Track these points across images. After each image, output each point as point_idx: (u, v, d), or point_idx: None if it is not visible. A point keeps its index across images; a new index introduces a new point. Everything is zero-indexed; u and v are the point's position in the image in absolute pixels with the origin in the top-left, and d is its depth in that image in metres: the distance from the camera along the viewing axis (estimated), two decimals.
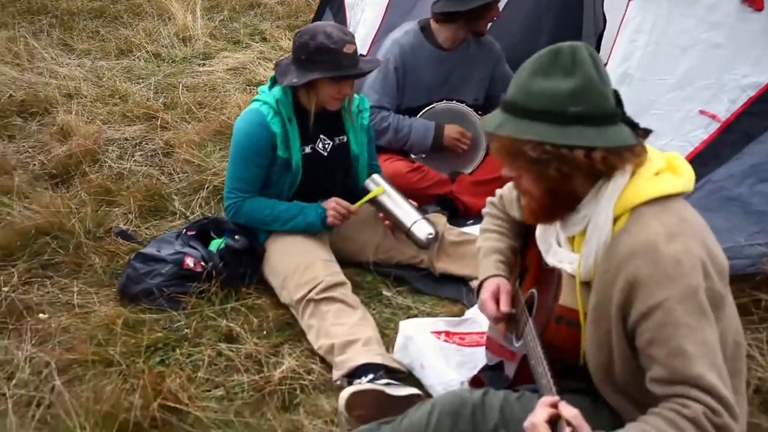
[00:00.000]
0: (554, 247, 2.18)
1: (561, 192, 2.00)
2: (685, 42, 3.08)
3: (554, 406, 1.74)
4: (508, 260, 2.48)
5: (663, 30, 3.08)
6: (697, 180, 2.98)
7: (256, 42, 6.57)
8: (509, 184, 2.55)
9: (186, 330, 2.94)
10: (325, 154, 3.24)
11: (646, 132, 1.99)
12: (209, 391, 2.66)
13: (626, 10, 3.13)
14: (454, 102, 3.92)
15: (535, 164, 1.94)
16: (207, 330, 2.96)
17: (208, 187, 3.94)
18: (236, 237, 3.19)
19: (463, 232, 3.35)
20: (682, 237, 1.88)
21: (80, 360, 2.77)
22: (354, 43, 3.09)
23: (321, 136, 3.23)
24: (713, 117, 3.06)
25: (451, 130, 3.84)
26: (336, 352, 2.72)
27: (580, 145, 1.88)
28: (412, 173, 3.70)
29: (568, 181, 1.96)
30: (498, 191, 2.60)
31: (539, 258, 2.35)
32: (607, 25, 4.71)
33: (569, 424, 1.64)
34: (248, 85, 5.58)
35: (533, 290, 2.34)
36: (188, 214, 3.79)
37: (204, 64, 6.01)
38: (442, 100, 3.91)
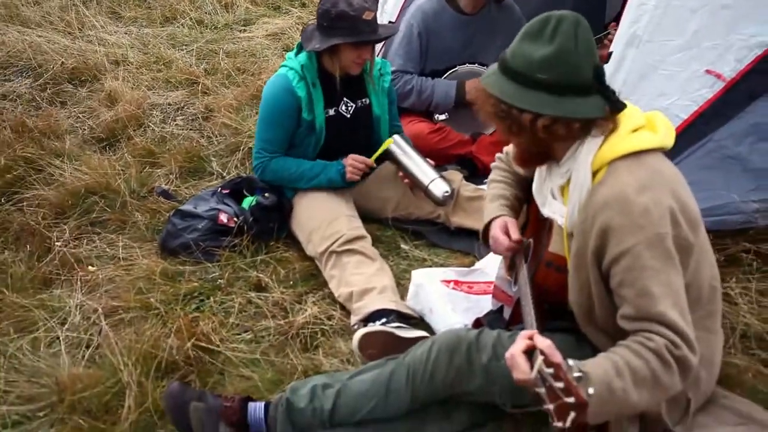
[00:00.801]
0: (549, 199, 2.37)
1: (526, 145, 2.22)
2: (695, 3, 3.18)
3: (531, 338, 1.94)
4: (512, 205, 2.66)
5: None
6: (699, 139, 3.16)
7: (296, 8, 6.76)
8: None
9: (220, 280, 3.21)
10: (348, 116, 3.45)
11: (619, 108, 2.14)
12: (239, 335, 2.93)
13: None
14: (476, 65, 4.07)
15: (493, 117, 2.16)
16: (239, 280, 3.22)
17: (243, 149, 4.18)
18: (266, 194, 3.43)
19: (477, 188, 3.53)
20: (652, 188, 2.06)
21: (124, 307, 3.06)
22: (373, 10, 3.27)
23: (344, 98, 3.44)
24: (718, 76, 3.16)
25: (473, 86, 3.98)
26: (354, 299, 2.95)
27: (529, 109, 2.08)
28: (434, 134, 3.88)
29: (520, 137, 2.17)
30: (505, 148, 2.78)
31: (537, 211, 2.54)
32: None
33: (543, 353, 1.84)
34: (285, 50, 5.78)
35: (529, 240, 2.53)
36: (224, 174, 4.05)
37: (244, 30, 6.24)
38: (464, 64, 4.06)
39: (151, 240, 3.54)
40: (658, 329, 1.99)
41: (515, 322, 2.47)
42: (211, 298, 3.11)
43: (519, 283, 2.43)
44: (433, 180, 3.34)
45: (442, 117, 4.04)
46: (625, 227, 2.04)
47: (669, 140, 2.21)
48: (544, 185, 2.41)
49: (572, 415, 1.72)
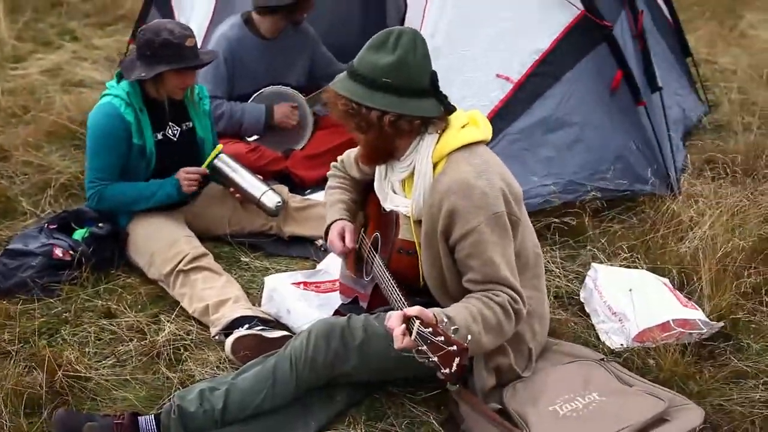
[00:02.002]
0: (390, 194, 2.71)
1: (371, 142, 2.55)
2: (480, 18, 3.68)
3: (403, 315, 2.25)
4: (350, 209, 2.97)
5: (460, 9, 3.67)
6: (497, 134, 3.66)
7: (67, 42, 6.62)
8: (348, 151, 3.06)
9: (65, 314, 3.20)
10: (175, 139, 3.57)
11: (451, 110, 2.54)
12: (101, 361, 2.95)
13: None
14: (280, 86, 4.35)
15: (344, 116, 2.49)
16: (85, 312, 3.22)
17: (54, 185, 4.12)
18: (100, 225, 3.45)
19: (305, 198, 3.81)
20: (486, 174, 2.47)
21: None
22: (194, 37, 3.43)
23: (170, 123, 3.55)
24: (507, 79, 3.68)
25: (279, 109, 4.26)
26: (211, 311, 3.09)
27: (375, 107, 2.42)
28: (251, 153, 4.09)
29: (368, 133, 2.51)
30: (339, 157, 3.08)
31: (378, 208, 2.86)
32: (408, 9, 5.32)
33: (417, 317, 2.15)
34: (68, 86, 5.70)
35: (377, 233, 2.84)
36: (38, 212, 3.97)
37: (16, 68, 6.03)
38: (269, 86, 4.32)
39: None
40: (502, 289, 2.42)
41: (375, 305, 2.76)
42: (62, 331, 3.10)
43: (374, 273, 2.73)
44: (264, 192, 3.56)
45: (253, 138, 4.26)
46: (468, 209, 2.42)
47: (489, 133, 2.64)
48: (384, 182, 2.74)
49: (457, 360, 2.05)
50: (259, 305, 3.20)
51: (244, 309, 3.08)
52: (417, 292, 2.66)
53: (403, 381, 2.70)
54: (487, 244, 2.42)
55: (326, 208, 3.00)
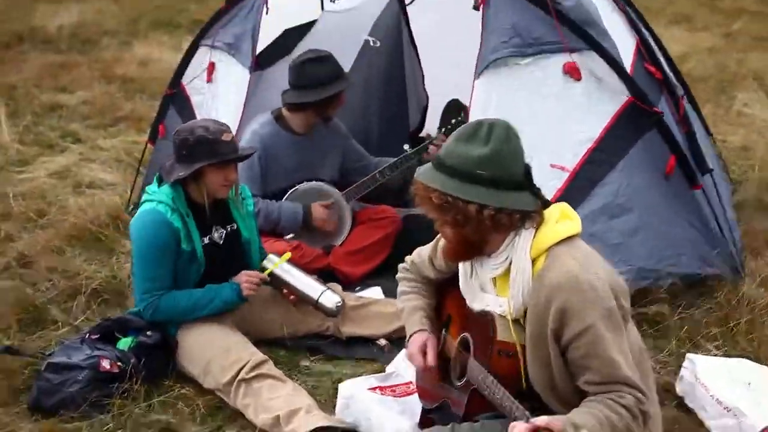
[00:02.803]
0: (479, 294, 2.56)
1: (465, 237, 2.41)
2: (526, 113, 3.63)
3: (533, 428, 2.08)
4: (429, 316, 2.81)
5: (506, 104, 3.61)
6: None
7: (71, 144, 6.49)
8: (418, 250, 2.92)
9: (120, 430, 2.95)
10: (221, 242, 3.40)
11: (547, 204, 2.43)
12: None
13: (473, 90, 3.64)
14: (314, 182, 4.24)
15: (437, 210, 2.35)
16: (142, 428, 2.98)
17: (85, 292, 3.90)
18: (148, 333, 3.24)
19: (360, 297, 3.64)
20: (592, 267, 2.34)
21: None
22: (230, 132, 3.32)
23: (215, 226, 3.40)
24: (562, 168, 3.61)
25: (317, 212, 4.13)
26: (283, 423, 2.87)
27: (473, 200, 2.30)
28: (295, 251, 3.94)
29: (465, 228, 2.37)
30: (408, 258, 2.94)
31: (462, 307, 2.71)
32: (429, 100, 5.32)
33: (547, 428, 1.99)
34: (79, 188, 5.53)
35: (465, 334, 2.68)
36: (71, 321, 3.74)
37: (22, 171, 5.85)
38: (302, 182, 4.21)
39: (13, 403, 3.16)
40: (626, 390, 2.24)
41: (473, 411, 2.57)
42: None
43: (471, 375, 2.55)
44: (322, 293, 3.39)
45: (289, 236, 4.12)
46: (581, 306, 2.27)
47: (580, 225, 2.53)
48: (471, 281, 2.60)
49: None
50: (335, 413, 2.99)
51: (320, 419, 2.87)
52: (520, 395, 2.48)
53: None
54: (604, 341, 2.27)
55: (403, 315, 2.83)
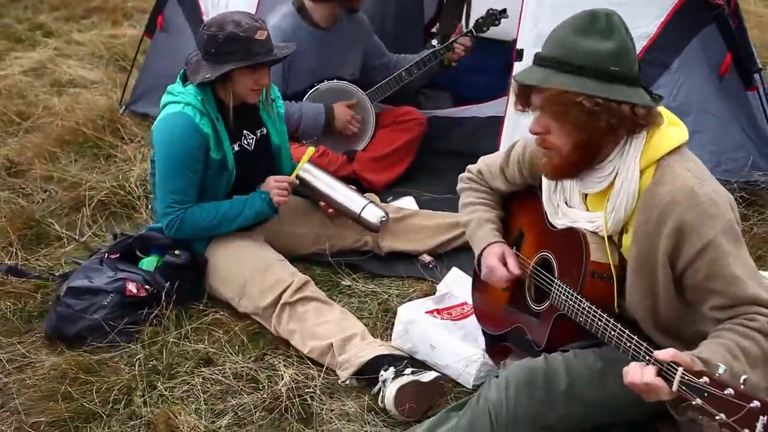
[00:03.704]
0: (562, 208, 2.30)
1: (590, 146, 2.12)
2: (589, 4, 3.28)
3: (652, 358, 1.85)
4: (499, 229, 2.55)
5: None
6: None
7: (41, 37, 5.95)
8: (483, 159, 2.63)
9: (154, 362, 2.68)
10: (251, 149, 3.07)
11: (658, 100, 2.14)
12: (215, 421, 2.46)
13: None
14: (335, 80, 3.87)
15: (585, 115, 2.02)
16: (177, 358, 2.71)
17: (92, 204, 3.55)
18: (176, 252, 2.93)
19: (400, 208, 3.35)
20: (707, 179, 2.09)
21: (55, 419, 2.43)
22: (265, 29, 2.94)
23: (244, 131, 3.05)
24: None
25: (341, 113, 3.79)
26: (337, 351, 2.63)
27: (625, 100, 2.01)
28: (321, 158, 3.62)
29: (607, 134, 2.08)
30: (472, 167, 2.65)
31: (536, 222, 2.45)
32: None
33: (677, 364, 1.77)
34: (58, 86, 5.07)
35: (545, 253, 2.42)
36: (77, 236, 3.40)
37: None
38: (323, 81, 3.84)
39: (28, 331, 2.86)
40: (756, 309, 1.99)
41: (557, 340, 2.35)
42: (158, 385, 2.58)
43: (556, 300, 2.31)
44: (365, 206, 3.09)
45: (310, 141, 3.77)
46: (700, 221, 2.02)
47: (687, 132, 2.25)
48: (554, 195, 2.33)
49: (762, 419, 1.66)
50: (392, 338, 2.75)
51: (377, 346, 2.63)
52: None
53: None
54: (728, 258, 2.01)
55: (470, 227, 2.56)
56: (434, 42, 4.09)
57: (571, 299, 2.24)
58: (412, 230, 3.23)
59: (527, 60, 3.22)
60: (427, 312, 2.74)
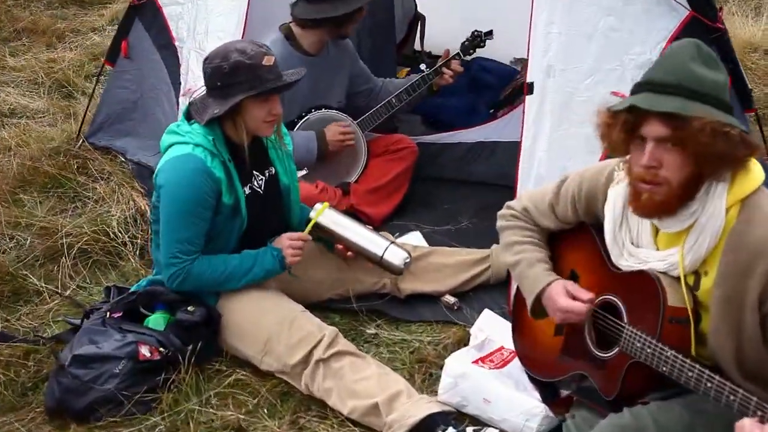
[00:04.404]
0: (629, 248, 2.19)
1: (698, 180, 2.02)
2: (589, 29, 3.20)
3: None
4: (551, 268, 2.41)
5: (569, 20, 3.17)
6: None
7: None
8: (529, 195, 2.49)
9: None
10: (261, 191, 2.84)
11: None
12: None
13: (533, 6, 3.16)
14: (324, 110, 3.67)
15: (728, 147, 1.92)
16: (201, 426, 2.45)
17: (70, 252, 3.23)
18: (189, 308, 2.67)
19: (415, 246, 3.16)
20: None
21: None
22: (272, 54, 2.73)
23: (254, 172, 2.83)
24: (624, 96, 3.23)
25: (332, 135, 3.59)
26: (383, 411, 2.43)
27: (743, 129, 1.96)
28: (321, 194, 3.40)
29: (722, 167, 1.99)
30: (515, 204, 2.51)
31: (590, 262, 2.33)
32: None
33: None
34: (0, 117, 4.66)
35: (610, 296, 2.30)
36: (59, 290, 3.08)
37: None
38: (311, 110, 3.64)
39: (24, 406, 2.55)
40: None
41: (632, 389, 2.22)
42: None
43: (633, 347, 2.18)
44: (387, 248, 2.89)
45: (302, 172, 3.55)
46: None
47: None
48: (619, 235, 2.22)
49: None
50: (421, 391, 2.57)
51: (425, 403, 2.45)
52: None
53: None
54: None
55: (519, 267, 2.41)
56: (422, 66, 3.93)
57: (649, 347, 2.12)
58: (431, 269, 3.06)
59: (538, 92, 3.10)
60: (473, 362, 2.57)
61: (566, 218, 2.40)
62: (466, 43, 3.81)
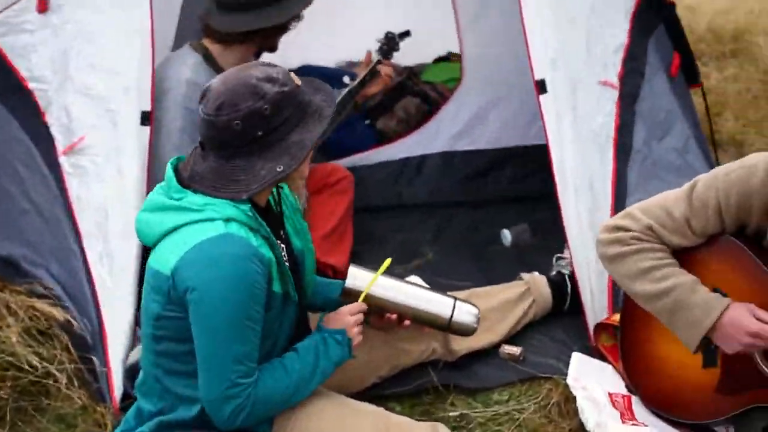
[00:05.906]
0: None
1: None
2: (574, 12, 2.91)
3: None
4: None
5: (556, 5, 2.87)
6: (627, 153, 2.94)
7: None
8: (649, 211, 2.14)
9: None
10: (287, 263, 2.11)
11: None
12: None
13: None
14: None
15: None
16: None
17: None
18: None
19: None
20: None
21: None
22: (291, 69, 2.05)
23: (277, 241, 2.09)
24: (612, 85, 2.97)
25: None
26: None
27: None
28: None
29: None
30: (633, 223, 2.13)
31: (748, 279, 2.07)
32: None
33: None
34: None
35: None
36: None
37: None
38: None
39: None
40: None
41: None
42: None
43: None
44: (453, 307, 2.28)
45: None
46: None
47: None
48: None
49: None
50: None
51: None
52: None
53: None
54: None
55: (675, 293, 2.05)
56: (345, 80, 3.33)
57: None
58: None
59: (552, 89, 2.72)
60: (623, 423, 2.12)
61: (705, 232, 2.10)
62: (384, 47, 3.32)
